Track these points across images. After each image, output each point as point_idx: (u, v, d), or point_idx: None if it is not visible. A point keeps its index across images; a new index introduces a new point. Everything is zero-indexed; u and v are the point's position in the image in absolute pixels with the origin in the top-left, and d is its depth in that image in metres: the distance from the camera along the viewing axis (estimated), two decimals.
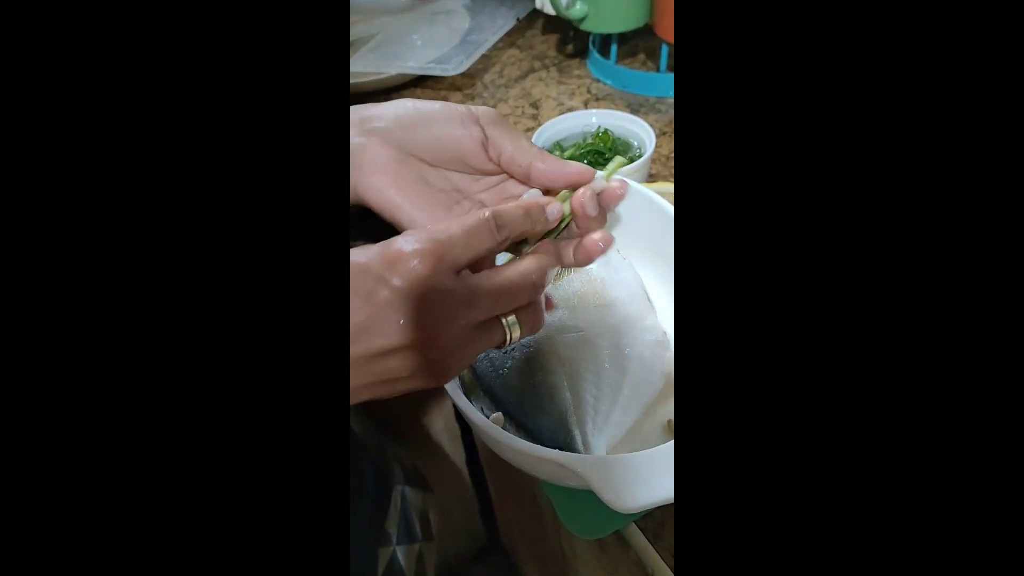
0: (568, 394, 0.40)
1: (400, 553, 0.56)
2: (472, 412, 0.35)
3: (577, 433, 0.39)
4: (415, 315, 0.27)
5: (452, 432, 0.82)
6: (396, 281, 0.27)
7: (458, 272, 0.29)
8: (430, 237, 0.28)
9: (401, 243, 0.28)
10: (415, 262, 0.27)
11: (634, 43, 0.81)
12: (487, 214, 0.31)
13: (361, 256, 0.28)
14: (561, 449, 0.38)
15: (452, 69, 0.70)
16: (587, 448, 0.38)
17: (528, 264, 0.32)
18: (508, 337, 0.32)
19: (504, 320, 0.31)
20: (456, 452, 0.84)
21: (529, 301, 0.32)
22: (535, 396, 0.41)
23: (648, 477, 0.32)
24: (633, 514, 0.38)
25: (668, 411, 0.43)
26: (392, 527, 0.57)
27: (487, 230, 0.31)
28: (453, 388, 0.36)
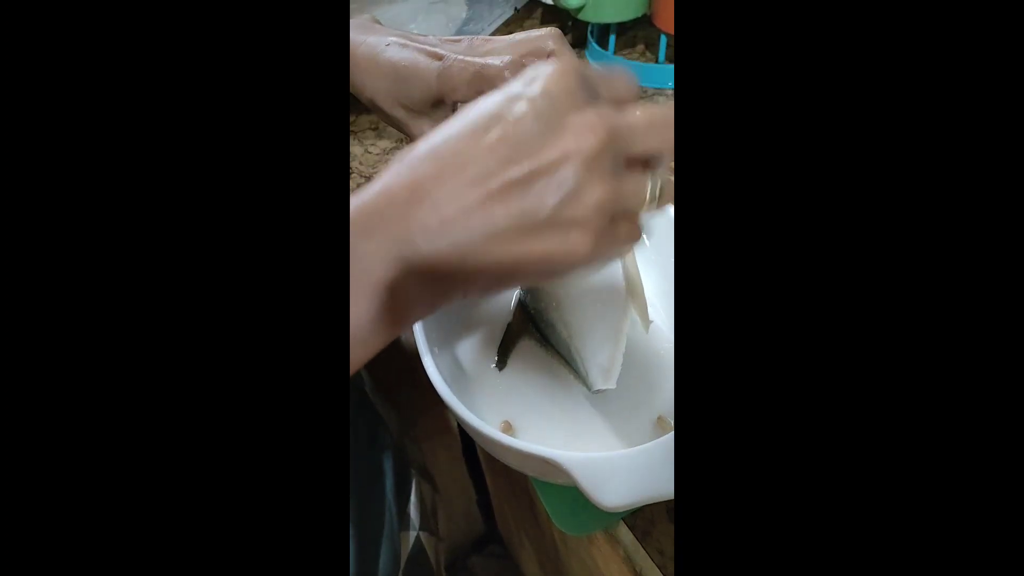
0: (561, 327, 0.42)
1: (423, 538, 0.57)
2: (460, 408, 0.35)
3: (579, 362, 0.41)
4: (557, 122, 0.25)
5: (449, 422, 0.82)
6: (532, 89, 0.25)
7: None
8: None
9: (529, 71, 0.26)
10: (550, 70, 0.25)
11: (632, 33, 0.80)
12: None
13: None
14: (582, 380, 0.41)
15: None
16: (587, 377, 0.40)
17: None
18: (649, 194, 0.27)
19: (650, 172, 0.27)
20: (453, 442, 0.84)
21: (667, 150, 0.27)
22: (556, 337, 0.43)
23: (634, 474, 0.32)
24: (620, 512, 0.38)
25: (658, 407, 0.43)
26: (413, 512, 0.57)
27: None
28: (442, 387, 0.36)
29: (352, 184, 0.64)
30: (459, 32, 0.75)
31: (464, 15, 0.79)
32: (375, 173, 0.64)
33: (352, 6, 0.82)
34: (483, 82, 0.40)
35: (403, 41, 0.44)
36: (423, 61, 0.42)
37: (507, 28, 0.82)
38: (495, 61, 0.39)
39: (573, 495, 0.39)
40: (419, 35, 0.45)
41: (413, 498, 0.57)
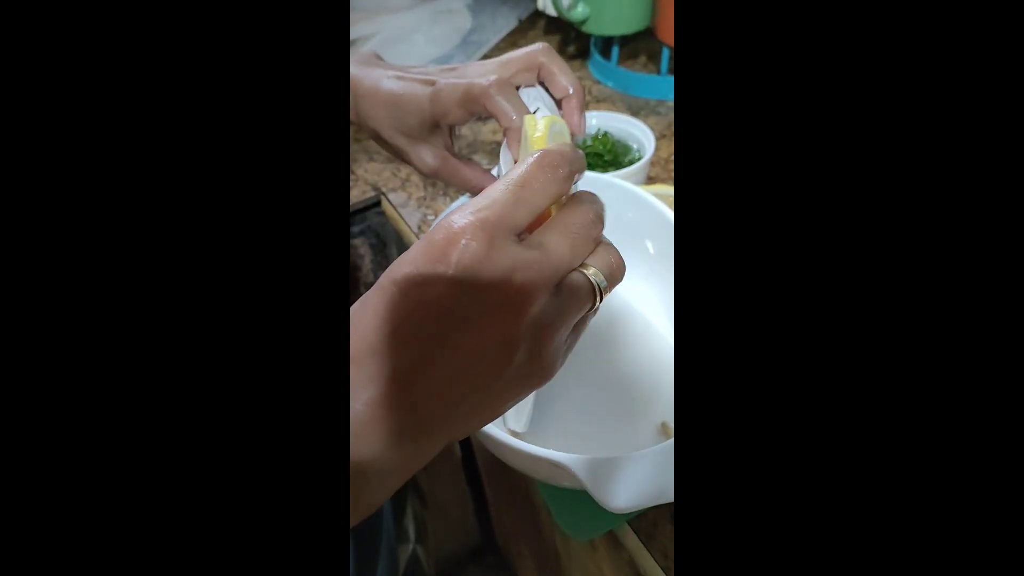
0: None
1: (419, 552, 0.57)
2: None
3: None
4: (489, 304, 0.23)
5: None
6: (451, 271, 0.23)
7: (520, 237, 0.25)
8: (475, 208, 0.24)
9: (444, 226, 0.24)
10: (466, 240, 0.23)
11: (635, 45, 0.81)
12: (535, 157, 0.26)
13: (403, 268, 0.24)
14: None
15: None
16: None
17: (578, 199, 0.27)
18: (598, 294, 0.26)
19: (586, 274, 0.26)
20: (452, 451, 0.84)
21: (596, 242, 0.27)
22: None
23: (640, 478, 0.32)
24: (625, 514, 0.39)
25: (662, 413, 0.43)
26: (410, 525, 0.57)
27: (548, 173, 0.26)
28: None
29: (357, 191, 0.64)
30: (464, 41, 0.76)
31: (469, 26, 0.80)
32: (378, 181, 0.65)
33: (355, 15, 0.83)
34: (471, 102, 0.42)
35: (400, 73, 0.47)
36: (417, 88, 0.45)
37: (511, 39, 0.83)
38: (481, 81, 0.41)
39: (579, 499, 0.39)
40: (416, 67, 0.47)
41: (409, 512, 0.58)
